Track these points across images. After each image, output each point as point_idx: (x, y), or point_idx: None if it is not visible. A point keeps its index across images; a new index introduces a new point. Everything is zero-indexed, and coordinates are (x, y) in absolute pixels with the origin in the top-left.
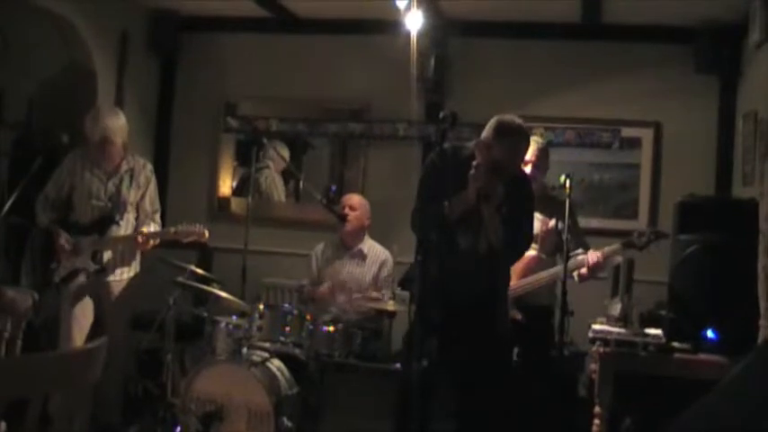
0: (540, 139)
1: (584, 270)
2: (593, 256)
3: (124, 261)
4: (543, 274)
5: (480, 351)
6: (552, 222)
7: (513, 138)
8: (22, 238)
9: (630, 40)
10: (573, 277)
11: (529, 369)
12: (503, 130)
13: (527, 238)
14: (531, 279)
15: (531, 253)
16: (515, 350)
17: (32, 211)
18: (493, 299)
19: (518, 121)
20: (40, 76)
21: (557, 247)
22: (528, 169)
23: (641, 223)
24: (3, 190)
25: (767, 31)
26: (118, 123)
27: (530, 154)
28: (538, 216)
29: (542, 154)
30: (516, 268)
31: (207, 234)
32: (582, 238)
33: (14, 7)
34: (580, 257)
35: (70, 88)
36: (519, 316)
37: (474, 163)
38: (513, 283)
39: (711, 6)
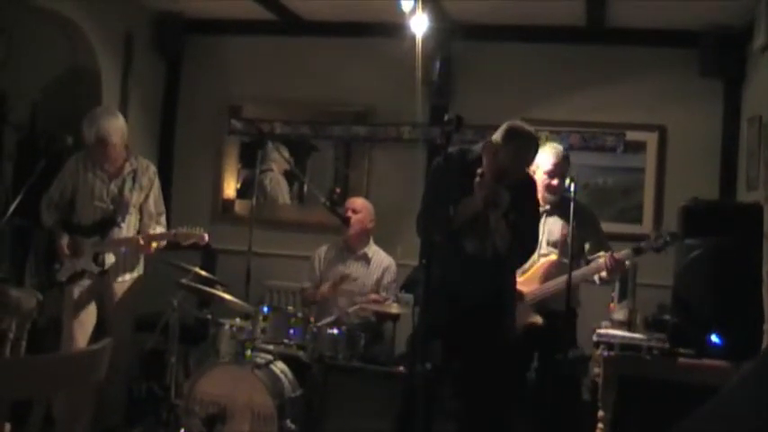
0: (560, 146)
1: (604, 273)
2: (610, 258)
3: (126, 264)
4: (564, 279)
5: (484, 355)
6: (564, 231)
7: (521, 143)
8: (26, 239)
9: (635, 43)
10: (594, 280)
11: (548, 372)
12: (511, 134)
13: (533, 243)
14: (551, 283)
15: (552, 257)
16: (536, 354)
17: (37, 213)
18: (498, 304)
19: (528, 127)
20: (45, 77)
21: (578, 252)
22: (556, 181)
23: (646, 227)
24: (7, 191)
25: None
26: (115, 124)
27: (550, 164)
28: (558, 220)
29: (564, 161)
30: (537, 273)
31: (206, 237)
32: (605, 243)
33: (19, 9)
34: (597, 262)
35: (74, 90)
36: (540, 320)
37: (479, 171)
38: (535, 287)
39: (716, 10)
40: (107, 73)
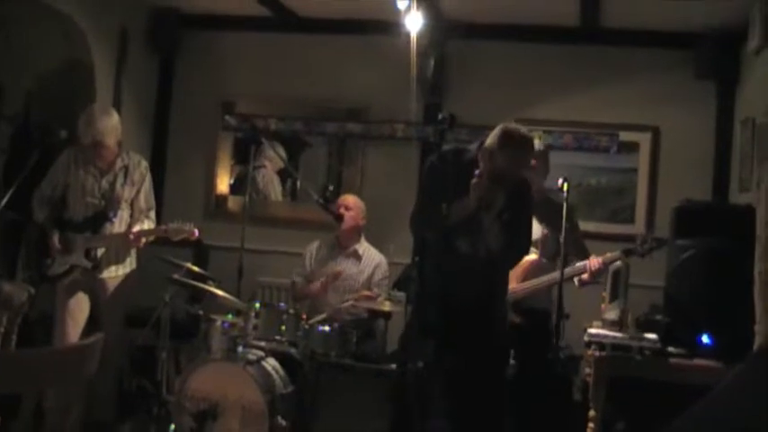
0: (538, 142)
1: (585, 275)
2: (594, 262)
3: (118, 258)
4: (543, 279)
5: (476, 355)
6: (545, 230)
7: (517, 147)
8: (18, 233)
9: (629, 44)
10: (573, 282)
11: (526, 372)
12: (507, 138)
13: (526, 245)
14: (530, 283)
15: (532, 257)
16: (512, 353)
17: (29, 206)
18: (490, 304)
19: (522, 130)
20: (39, 70)
21: (557, 251)
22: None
23: (638, 228)
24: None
25: (766, 37)
26: (110, 125)
27: None
28: (536, 220)
29: (541, 157)
30: (516, 272)
31: (197, 233)
32: (580, 243)
33: (15, 2)
34: (581, 263)
35: (69, 84)
36: (517, 319)
37: (477, 171)
38: (513, 286)
39: (711, 12)
40: (101, 67)
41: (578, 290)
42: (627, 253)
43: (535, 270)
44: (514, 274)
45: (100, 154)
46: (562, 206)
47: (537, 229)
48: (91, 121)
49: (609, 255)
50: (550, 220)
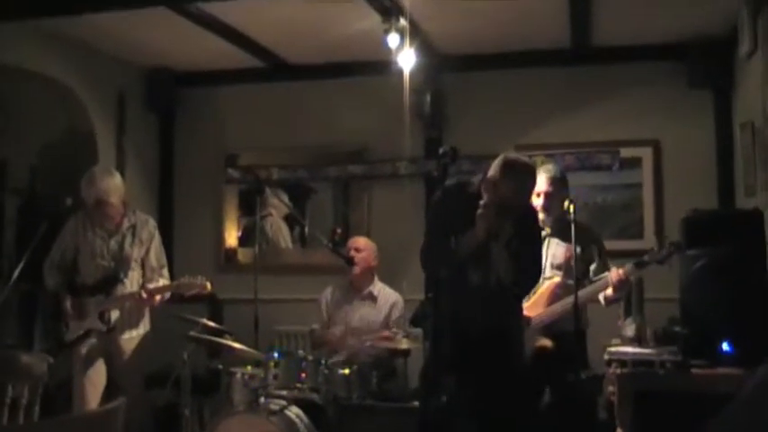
0: (551, 169)
1: (609, 291)
2: (615, 274)
3: (132, 320)
4: (570, 300)
5: (496, 385)
6: (566, 253)
7: (520, 176)
8: (32, 303)
9: (622, 60)
10: (600, 301)
11: (562, 395)
12: (509, 168)
13: (536, 271)
14: (557, 306)
15: (556, 280)
16: (548, 378)
17: (41, 276)
18: (506, 333)
19: (524, 158)
20: (41, 141)
21: (584, 272)
22: (541, 200)
23: (647, 242)
24: (10, 257)
25: (756, 41)
26: (112, 183)
27: (543, 185)
28: (560, 243)
29: (556, 183)
30: (543, 296)
31: (209, 286)
32: (607, 262)
33: (11, 75)
34: (602, 278)
35: (71, 152)
36: (549, 343)
37: (481, 203)
38: (541, 311)
39: (700, 21)
40: (102, 132)
41: (594, 309)
42: (644, 263)
43: (561, 292)
44: (541, 299)
45: (105, 213)
46: (584, 227)
47: (560, 253)
48: (92, 181)
49: (629, 266)
50: (576, 242)
